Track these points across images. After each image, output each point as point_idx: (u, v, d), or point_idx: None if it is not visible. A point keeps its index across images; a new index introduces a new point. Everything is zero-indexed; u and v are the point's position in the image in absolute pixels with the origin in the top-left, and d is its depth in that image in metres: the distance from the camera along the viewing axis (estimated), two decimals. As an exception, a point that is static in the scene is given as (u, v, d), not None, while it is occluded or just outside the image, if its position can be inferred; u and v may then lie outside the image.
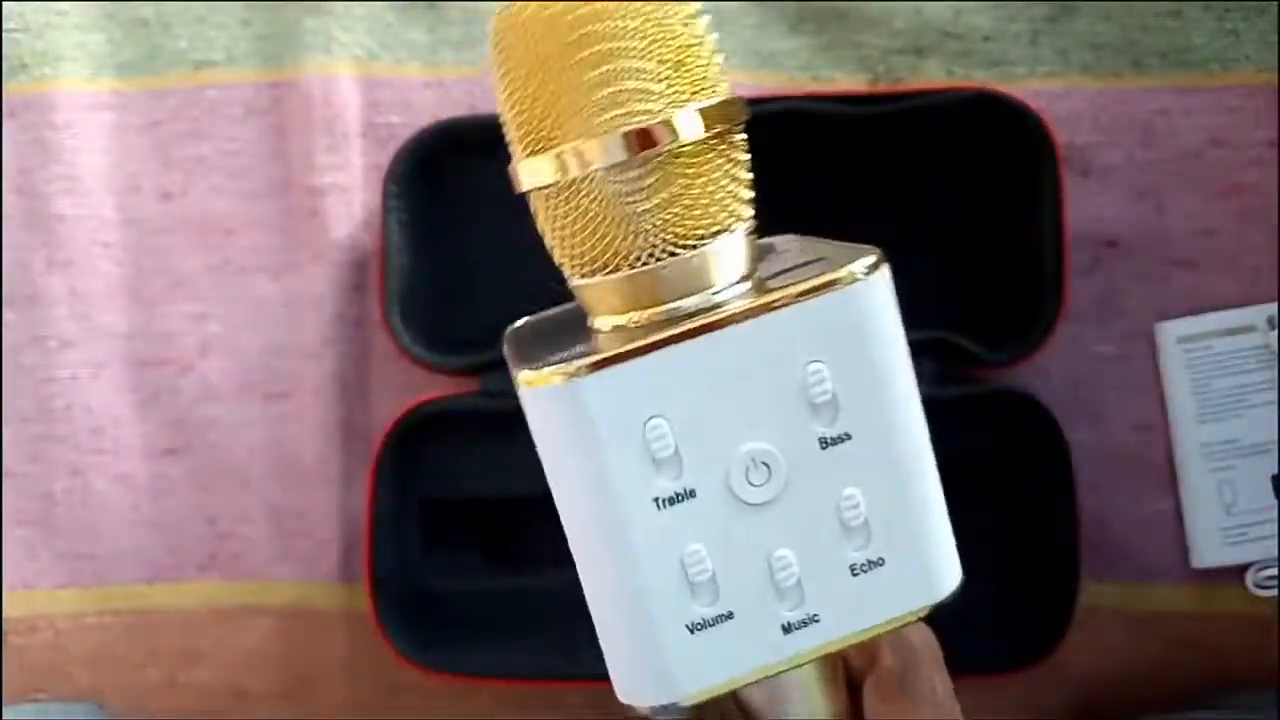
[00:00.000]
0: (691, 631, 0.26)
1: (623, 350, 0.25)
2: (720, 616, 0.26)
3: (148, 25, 0.54)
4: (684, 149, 0.26)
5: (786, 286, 0.25)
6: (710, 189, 0.26)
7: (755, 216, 0.27)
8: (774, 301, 0.25)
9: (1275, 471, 0.49)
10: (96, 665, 0.53)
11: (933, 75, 0.51)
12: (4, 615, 0.52)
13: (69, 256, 0.53)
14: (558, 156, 0.26)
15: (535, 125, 0.27)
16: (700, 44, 0.27)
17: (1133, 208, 0.50)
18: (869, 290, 0.25)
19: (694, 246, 0.26)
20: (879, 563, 0.26)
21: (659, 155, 0.25)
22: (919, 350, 0.48)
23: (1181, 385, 0.50)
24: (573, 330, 0.28)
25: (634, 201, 0.26)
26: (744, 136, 0.28)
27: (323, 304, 0.52)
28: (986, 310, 0.49)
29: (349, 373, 0.52)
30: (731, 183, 0.27)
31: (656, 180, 0.26)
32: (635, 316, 0.26)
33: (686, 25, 0.26)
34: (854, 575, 0.26)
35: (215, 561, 0.53)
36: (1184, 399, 0.50)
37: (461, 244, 0.51)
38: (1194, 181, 0.50)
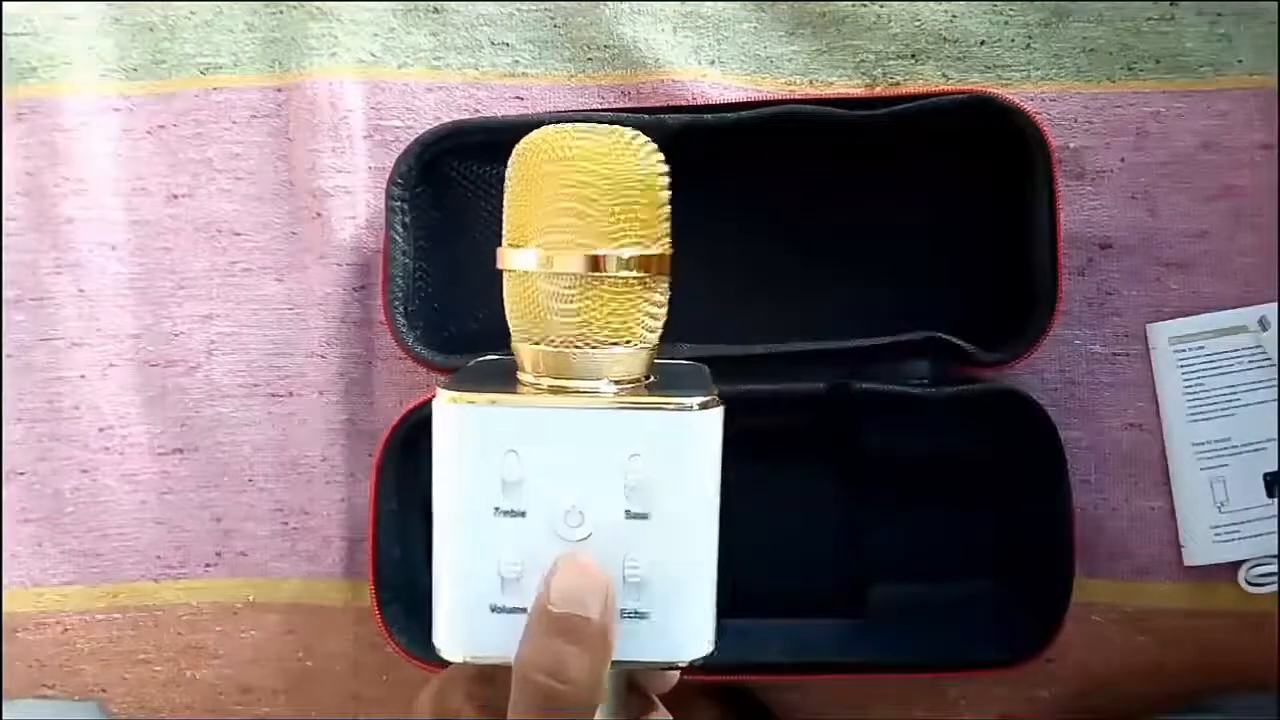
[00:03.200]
0: (492, 611, 0.33)
1: (507, 396, 0.33)
2: (516, 609, 0.33)
3: (155, 30, 0.54)
4: (605, 279, 0.33)
5: (643, 398, 0.34)
6: (620, 314, 0.34)
7: (660, 340, 0.35)
8: (626, 403, 0.33)
9: (1266, 470, 0.50)
10: (103, 661, 0.53)
11: (929, 79, 0.52)
12: (14, 612, 0.53)
13: (77, 258, 0.54)
14: (518, 253, 0.34)
15: (516, 224, 0.34)
16: (656, 204, 0.34)
17: (1126, 210, 0.51)
18: (695, 420, 0.33)
19: (594, 347, 0.34)
20: (643, 615, 0.33)
21: (584, 278, 0.33)
22: (915, 350, 0.49)
23: (1174, 385, 0.50)
24: (505, 375, 0.35)
25: (558, 303, 0.33)
26: (668, 283, 0.35)
27: (327, 304, 0.53)
28: (982, 310, 0.50)
29: (353, 372, 0.53)
30: (641, 312, 0.34)
31: (577, 293, 0.33)
32: (543, 381, 0.34)
33: (649, 188, 0.33)
34: (622, 618, 0.33)
35: (221, 559, 0.53)
36: (1176, 398, 0.50)
37: (464, 245, 0.51)
38: (1186, 184, 0.51)
